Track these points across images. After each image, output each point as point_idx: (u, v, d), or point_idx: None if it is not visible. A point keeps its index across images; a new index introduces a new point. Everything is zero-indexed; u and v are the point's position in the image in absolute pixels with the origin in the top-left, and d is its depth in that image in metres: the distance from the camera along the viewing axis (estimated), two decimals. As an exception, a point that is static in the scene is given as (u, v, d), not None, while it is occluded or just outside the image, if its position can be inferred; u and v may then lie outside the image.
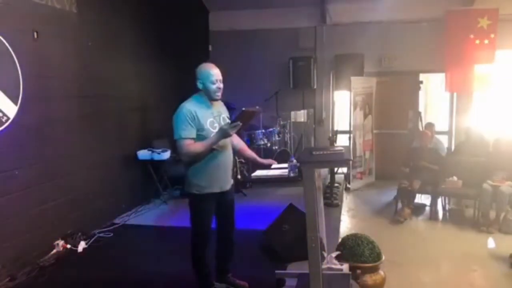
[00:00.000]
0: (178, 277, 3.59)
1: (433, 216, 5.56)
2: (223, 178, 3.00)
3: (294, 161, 2.86)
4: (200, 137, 2.85)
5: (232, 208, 3.21)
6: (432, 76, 7.90)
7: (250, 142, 6.34)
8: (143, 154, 5.82)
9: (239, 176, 6.34)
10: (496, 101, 7.11)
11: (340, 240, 3.68)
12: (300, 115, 7.33)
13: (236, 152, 3.30)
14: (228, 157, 3.05)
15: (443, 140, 7.00)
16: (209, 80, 2.89)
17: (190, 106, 2.87)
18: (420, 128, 6.94)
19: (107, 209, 5.17)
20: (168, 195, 6.19)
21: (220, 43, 8.06)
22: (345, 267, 3.21)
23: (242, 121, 2.78)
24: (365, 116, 7.17)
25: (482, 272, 3.97)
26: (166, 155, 5.82)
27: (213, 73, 2.91)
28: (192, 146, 2.83)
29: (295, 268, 3.57)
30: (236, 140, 3.24)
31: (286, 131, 7.17)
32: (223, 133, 2.80)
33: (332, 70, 7.50)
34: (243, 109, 2.76)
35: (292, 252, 3.74)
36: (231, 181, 3.14)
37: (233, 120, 2.80)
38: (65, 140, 4.49)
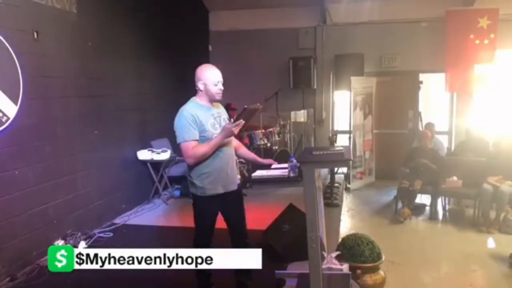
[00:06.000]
0: (178, 277, 3.58)
1: (433, 216, 5.56)
2: (227, 179, 2.98)
3: (294, 161, 2.85)
4: (202, 139, 2.84)
5: (239, 210, 3.13)
6: (432, 76, 7.89)
7: (250, 142, 6.34)
8: (143, 154, 5.82)
9: (239, 176, 6.34)
10: (496, 101, 7.11)
11: (340, 240, 3.69)
12: (300, 115, 7.33)
13: (236, 153, 3.29)
14: (230, 157, 3.03)
15: (443, 140, 7.00)
16: (211, 82, 2.87)
17: (190, 109, 2.86)
18: (420, 128, 6.93)
19: (107, 209, 5.17)
20: (168, 195, 6.19)
21: (220, 43, 8.07)
22: (345, 267, 3.21)
23: (244, 119, 2.79)
24: (365, 116, 7.17)
25: (482, 272, 3.97)
26: (166, 155, 5.82)
27: (215, 74, 2.89)
28: (197, 148, 2.81)
29: (295, 268, 3.57)
30: (234, 142, 3.23)
31: (286, 131, 7.17)
32: (227, 132, 2.79)
33: (332, 70, 7.50)
34: (245, 106, 2.78)
35: (292, 252, 3.73)
36: (237, 181, 3.10)
37: (235, 118, 2.81)
38: (65, 140, 4.49)
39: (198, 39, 7.81)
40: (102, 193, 5.08)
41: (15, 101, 3.75)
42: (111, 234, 4.74)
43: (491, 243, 4.71)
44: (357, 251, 3.37)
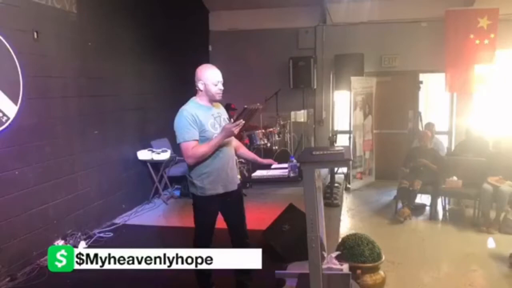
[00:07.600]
0: (178, 277, 3.58)
1: (433, 216, 5.56)
2: (227, 179, 2.98)
3: (294, 161, 2.85)
4: (202, 139, 2.84)
5: (239, 210, 3.13)
6: (432, 76, 7.89)
7: (250, 142, 6.34)
8: (143, 154, 5.82)
9: (238, 176, 6.34)
10: (496, 101, 7.11)
11: (340, 240, 3.69)
12: (300, 115, 7.33)
13: (236, 153, 3.29)
14: (230, 158, 3.04)
15: (443, 140, 7.00)
16: (211, 82, 2.87)
17: (190, 109, 2.86)
18: (420, 128, 6.93)
19: (107, 209, 5.17)
20: (168, 195, 6.20)
21: (220, 43, 8.07)
22: (345, 267, 3.21)
23: (244, 119, 2.79)
24: (365, 116, 7.17)
25: (482, 272, 3.97)
26: (166, 155, 5.82)
27: (215, 74, 2.89)
28: (197, 148, 2.81)
29: (295, 268, 3.57)
30: (234, 142, 3.23)
31: (286, 131, 7.17)
32: (227, 132, 2.79)
33: (332, 70, 7.51)
34: (245, 106, 2.78)
35: (292, 252, 3.73)
36: (237, 181, 3.10)
37: (235, 118, 2.82)
38: (65, 140, 4.49)
39: (198, 39, 7.80)
40: (102, 193, 5.08)
41: (15, 101, 3.75)
42: (111, 234, 4.75)
43: (491, 243, 4.71)
44: (357, 251, 3.37)
